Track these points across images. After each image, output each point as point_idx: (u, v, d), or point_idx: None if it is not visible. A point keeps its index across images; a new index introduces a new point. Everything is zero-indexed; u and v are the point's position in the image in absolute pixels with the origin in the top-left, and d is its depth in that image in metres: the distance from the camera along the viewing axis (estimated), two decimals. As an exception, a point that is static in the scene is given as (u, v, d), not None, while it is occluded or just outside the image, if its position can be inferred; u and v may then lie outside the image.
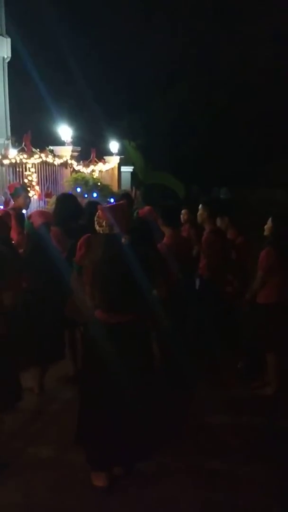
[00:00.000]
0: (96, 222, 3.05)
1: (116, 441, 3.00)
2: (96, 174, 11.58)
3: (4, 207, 7.40)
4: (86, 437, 3.10)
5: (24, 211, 5.52)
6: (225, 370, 4.62)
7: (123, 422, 2.98)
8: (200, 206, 4.77)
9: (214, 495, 3.03)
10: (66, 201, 4.74)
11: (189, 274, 4.28)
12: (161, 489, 3.06)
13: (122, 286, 2.94)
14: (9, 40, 15.00)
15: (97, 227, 3.05)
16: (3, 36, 14.84)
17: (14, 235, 4.33)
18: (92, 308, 3.04)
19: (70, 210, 4.51)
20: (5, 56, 15.00)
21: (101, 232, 3.04)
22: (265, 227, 4.28)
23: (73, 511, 2.89)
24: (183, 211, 5.46)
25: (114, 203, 3.25)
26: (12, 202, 5.78)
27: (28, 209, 5.71)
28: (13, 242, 4.14)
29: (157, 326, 3.57)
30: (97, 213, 3.06)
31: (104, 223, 3.00)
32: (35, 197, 8.64)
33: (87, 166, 11.27)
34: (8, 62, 15.24)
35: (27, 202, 5.50)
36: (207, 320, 4.32)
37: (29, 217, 4.06)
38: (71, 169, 10.57)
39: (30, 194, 7.03)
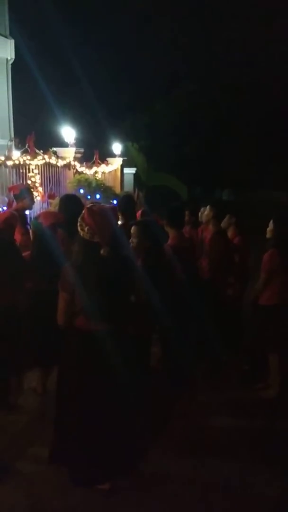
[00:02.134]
0: (79, 224, 2.88)
1: (102, 455, 2.93)
2: (99, 176, 11.60)
3: (7, 208, 7.43)
4: (66, 454, 3.02)
5: (27, 212, 5.53)
6: (228, 372, 4.63)
7: (107, 433, 2.91)
8: (208, 206, 4.83)
9: (215, 497, 3.03)
10: (70, 203, 4.74)
11: (192, 275, 4.29)
12: (163, 491, 3.06)
13: (102, 294, 2.83)
14: (12, 41, 15.07)
15: (78, 228, 2.89)
16: (6, 37, 14.90)
17: (17, 236, 4.34)
18: (69, 315, 2.93)
19: (73, 212, 4.50)
20: (9, 58, 15.07)
21: (81, 234, 2.88)
22: (267, 229, 4.29)
23: (75, 510, 2.90)
24: (185, 213, 5.47)
25: (103, 205, 3.06)
26: (15, 203, 5.80)
27: (32, 210, 5.72)
28: (16, 242, 4.15)
29: (139, 332, 3.52)
30: (82, 214, 2.89)
31: (86, 229, 2.83)
32: (38, 198, 8.67)
33: (90, 167, 11.29)
34: (12, 64, 15.31)
35: (31, 203, 5.51)
36: (210, 321, 4.33)
37: (37, 217, 4.06)
38: (74, 170, 10.59)
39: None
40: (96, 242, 2.86)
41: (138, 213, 5.10)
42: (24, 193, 5.24)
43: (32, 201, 5.35)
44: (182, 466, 3.30)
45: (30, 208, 5.34)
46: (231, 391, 4.36)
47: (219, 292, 4.58)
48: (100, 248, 2.86)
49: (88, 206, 2.94)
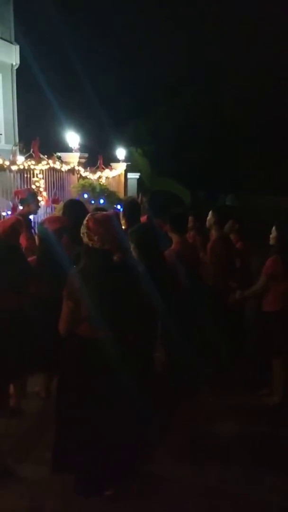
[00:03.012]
0: (85, 234, 2.81)
1: (104, 462, 2.93)
2: (103, 181, 11.64)
3: (11, 213, 7.47)
4: (69, 463, 3.02)
5: (31, 216, 5.56)
6: (231, 378, 4.63)
7: (109, 439, 2.91)
8: (210, 212, 4.85)
9: (217, 502, 3.03)
10: (73, 208, 4.75)
11: (196, 281, 4.30)
12: (164, 496, 3.06)
13: (109, 304, 2.83)
14: (17, 47, 15.19)
15: (85, 239, 2.82)
16: (11, 43, 15.01)
17: (22, 240, 4.36)
18: (71, 323, 2.92)
19: (77, 217, 4.52)
20: (14, 63, 15.18)
21: (90, 245, 2.82)
22: (271, 236, 4.29)
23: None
24: (189, 218, 5.49)
25: (105, 212, 3.00)
26: (19, 208, 5.83)
27: (36, 215, 5.75)
28: (22, 247, 4.16)
29: (142, 339, 3.52)
30: (87, 224, 2.81)
31: (96, 238, 2.78)
32: (43, 203, 8.70)
33: (94, 172, 11.33)
34: (16, 69, 15.41)
35: (36, 208, 5.54)
36: (213, 327, 4.33)
37: (43, 222, 4.07)
38: (78, 175, 10.63)
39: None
40: (108, 249, 2.84)
41: (143, 219, 5.12)
42: (30, 198, 5.27)
43: (37, 206, 5.37)
44: (184, 471, 3.30)
45: (35, 213, 5.36)
46: (235, 396, 4.35)
47: (221, 297, 4.58)
48: (112, 255, 2.85)
49: (90, 215, 2.88)
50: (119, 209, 7.60)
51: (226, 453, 3.53)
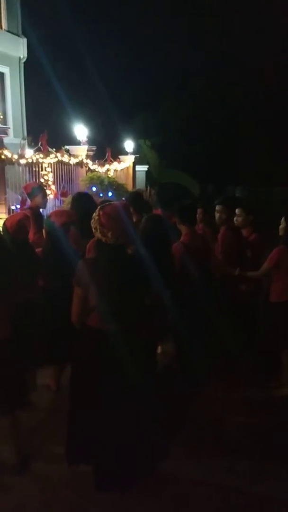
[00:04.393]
0: (98, 230, 2.78)
1: (117, 457, 2.93)
2: (111, 173, 11.63)
3: (20, 206, 7.49)
4: (82, 455, 3.03)
5: (41, 210, 5.55)
6: (241, 370, 4.61)
7: (123, 434, 2.91)
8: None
9: (227, 497, 3.03)
10: (82, 200, 4.74)
11: (205, 273, 4.28)
12: (174, 491, 3.06)
13: (122, 298, 2.81)
14: (25, 40, 15.15)
15: (98, 235, 2.79)
16: (19, 36, 14.98)
17: (30, 234, 4.36)
18: (83, 313, 2.91)
19: (86, 210, 4.51)
20: (21, 56, 15.15)
21: (103, 240, 2.79)
22: (280, 227, 4.26)
23: (89, 507, 2.92)
24: (198, 210, 5.46)
25: (115, 205, 2.91)
26: (28, 202, 5.83)
27: (45, 208, 5.74)
28: (30, 242, 4.16)
29: (151, 334, 3.51)
30: (98, 219, 2.77)
31: (109, 234, 2.75)
32: (51, 196, 8.72)
33: (102, 165, 11.32)
34: (24, 62, 15.39)
35: (44, 201, 5.51)
36: (223, 319, 4.32)
37: (50, 216, 4.07)
38: (87, 168, 10.63)
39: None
40: (122, 243, 2.82)
41: (156, 212, 5.10)
42: (35, 191, 5.26)
43: (44, 199, 5.37)
44: (194, 466, 3.29)
45: (43, 206, 5.35)
46: (244, 389, 4.34)
47: (232, 289, 4.56)
48: (126, 248, 2.84)
49: (101, 209, 2.82)
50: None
51: (236, 447, 3.51)
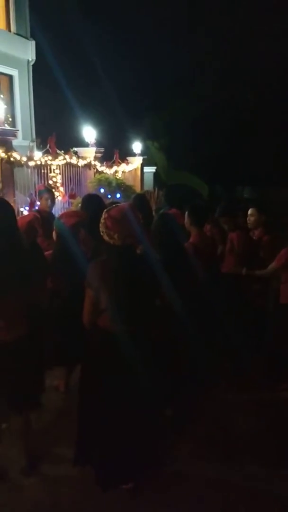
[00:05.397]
0: (105, 233, 2.80)
1: (125, 455, 2.93)
2: (119, 175, 11.64)
3: (29, 208, 7.53)
4: (91, 456, 3.03)
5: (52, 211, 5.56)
6: (251, 372, 4.59)
7: (131, 434, 2.90)
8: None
9: (237, 498, 3.01)
10: (91, 202, 4.75)
11: (214, 273, 4.27)
12: (184, 491, 3.05)
13: (132, 300, 2.81)
14: (33, 43, 15.24)
15: (106, 238, 2.81)
16: (27, 39, 15.07)
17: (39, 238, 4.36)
18: (95, 314, 2.90)
19: (95, 211, 4.51)
20: (30, 59, 15.24)
21: (111, 243, 2.80)
22: None
23: (98, 507, 2.92)
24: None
25: (120, 207, 2.90)
26: (37, 203, 5.86)
27: (52, 211, 5.75)
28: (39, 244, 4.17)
29: (161, 335, 3.51)
30: (104, 222, 2.79)
31: (116, 236, 2.76)
32: (59, 198, 8.76)
33: (110, 167, 11.34)
34: (32, 65, 15.48)
35: (48, 203, 5.51)
36: (233, 320, 4.30)
37: (60, 217, 4.08)
38: (95, 170, 10.65)
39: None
40: (130, 244, 2.83)
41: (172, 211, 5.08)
42: (40, 193, 5.27)
43: (49, 201, 5.38)
44: (203, 467, 3.28)
45: (48, 209, 5.36)
46: (254, 391, 4.31)
47: (244, 289, 4.53)
48: (135, 249, 2.85)
49: (106, 212, 2.84)
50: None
51: (246, 449, 3.50)
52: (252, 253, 4.74)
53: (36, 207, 7.37)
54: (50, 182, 8.77)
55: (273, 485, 3.12)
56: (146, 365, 2.88)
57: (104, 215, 2.82)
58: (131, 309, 2.83)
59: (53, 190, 7.09)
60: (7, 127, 8.17)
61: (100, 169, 10.78)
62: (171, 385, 3.56)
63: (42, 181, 8.62)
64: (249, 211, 4.95)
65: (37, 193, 5.34)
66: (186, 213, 4.33)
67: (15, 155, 7.68)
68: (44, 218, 4.94)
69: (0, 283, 2.84)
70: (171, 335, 3.90)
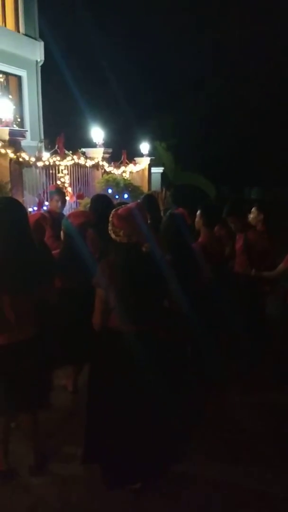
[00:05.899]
0: (111, 231, 2.86)
1: (133, 455, 2.94)
2: (126, 175, 11.66)
3: (38, 208, 7.57)
4: (98, 454, 3.04)
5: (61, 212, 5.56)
6: (260, 374, 4.57)
7: (139, 433, 2.91)
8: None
9: (246, 500, 3.01)
10: (99, 202, 4.77)
11: (223, 273, 4.26)
12: (192, 493, 3.04)
13: (139, 298, 2.83)
14: (42, 44, 15.30)
15: (112, 235, 2.88)
16: (36, 39, 15.13)
17: (46, 238, 4.38)
18: (103, 312, 2.93)
19: (103, 211, 4.52)
20: (38, 60, 15.30)
21: (117, 240, 2.86)
22: None
23: (106, 507, 2.93)
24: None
25: (127, 206, 2.98)
26: (45, 204, 5.88)
27: (63, 211, 5.76)
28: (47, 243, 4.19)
29: (169, 335, 3.51)
30: (111, 221, 2.86)
31: (121, 233, 2.82)
32: (67, 198, 8.79)
33: (118, 167, 11.35)
34: (41, 66, 15.54)
35: (59, 205, 5.52)
36: (240, 322, 4.29)
37: (68, 217, 4.11)
38: (103, 170, 10.68)
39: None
40: (135, 242, 2.85)
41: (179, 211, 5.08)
42: (51, 195, 5.29)
43: (61, 202, 5.39)
44: (212, 469, 3.27)
45: (58, 210, 5.38)
46: (263, 393, 4.30)
47: (256, 290, 4.52)
48: (140, 247, 2.87)
49: (114, 211, 2.90)
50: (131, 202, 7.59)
51: (255, 451, 3.49)
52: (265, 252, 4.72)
53: (44, 207, 7.42)
54: (58, 182, 8.81)
55: (280, 487, 3.11)
56: (155, 365, 2.89)
57: (111, 214, 2.88)
58: (138, 307, 2.85)
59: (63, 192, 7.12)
60: (15, 127, 8.22)
61: (107, 169, 10.80)
62: (180, 385, 3.56)
63: (50, 182, 8.66)
64: (252, 210, 4.95)
65: (47, 194, 5.36)
66: (199, 213, 4.32)
67: (24, 156, 7.72)
68: (54, 219, 4.97)
69: (11, 282, 2.86)
70: (179, 335, 3.91)
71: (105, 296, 2.86)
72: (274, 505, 2.96)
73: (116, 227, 2.83)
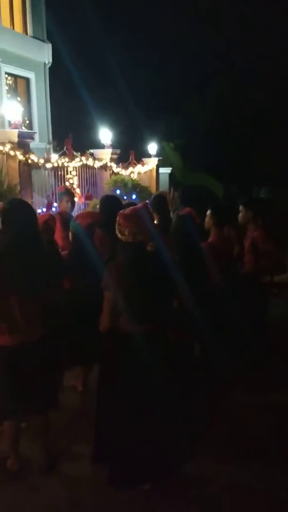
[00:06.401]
0: (117, 230, 2.90)
1: (142, 456, 2.94)
2: (134, 176, 11.67)
3: (46, 210, 7.60)
4: (107, 454, 3.04)
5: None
6: (266, 374, 4.55)
7: (148, 434, 2.92)
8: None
9: (256, 501, 3.00)
10: (108, 202, 4.77)
11: (233, 273, 4.25)
12: (202, 494, 3.04)
13: (145, 296, 2.84)
14: (50, 45, 15.37)
15: (118, 235, 2.90)
16: (44, 42, 15.20)
17: (59, 239, 4.40)
18: (111, 315, 2.94)
19: (111, 211, 4.53)
20: (46, 62, 15.37)
21: (123, 240, 2.89)
22: None
23: (116, 507, 2.94)
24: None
25: (133, 207, 3.02)
26: (55, 205, 5.90)
27: (72, 212, 5.79)
28: (56, 244, 4.21)
29: (178, 336, 3.51)
30: (117, 221, 2.89)
31: (126, 232, 2.85)
32: (76, 199, 8.82)
33: (126, 168, 11.37)
34: (49, 68, 15.62)
35: (68, 206, 5.54)
36: (247, 322, 4.28)
37: (76, 218, 4.13)
38: (111, 171, 10.70)
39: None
40: (140, 241, 2.87)
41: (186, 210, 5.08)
42: (60, 196, 5.30)
43: (71, 203, 5.41)
44: (222, 470, 3.26)
45: (68, 211, 5.40)
46: (270, 393, 4.27)
47: (264, 291, 4.51)
48: (145, 246, 2.88)
49: (120, 211, 2.94)
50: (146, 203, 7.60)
51: (263, 452, 3.47)
52: (272, 253, 4.70)
53: (53, 209, 7.45)
54: (67, 183, 8.84)
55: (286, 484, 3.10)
56: (163, 366, 2.89)
57: (118, 214, 2.92)
58: (145, 306, 2.86)
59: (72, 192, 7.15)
60: (24, 129, 8.26)
61: (115, 170, 10.83)
62: (187, 386, 3.56)
63: (59, 183, 8.70)
64: (240, 208, 4.93)
65: (56, 195, 5.38)
66: (209, 213, 4.33)
67: (33, 157, 7.77)
68: (65, 220, 5.00)
69: (19, 283, 2.87)
70: (187, 335, 3.90)
71: (113, 299, 2.87)
72: (283, 506, 2.95)
73: (121, 226, 2.86)
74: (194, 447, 3.45)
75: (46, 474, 3.21)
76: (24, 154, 7.56)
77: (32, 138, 8.03)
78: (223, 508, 2.95)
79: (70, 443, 3.56)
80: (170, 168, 16.09)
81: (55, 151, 9.42)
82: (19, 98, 12.28)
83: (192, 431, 3.57)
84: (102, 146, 10.68)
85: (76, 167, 9.21)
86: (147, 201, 7.84)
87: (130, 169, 11.60)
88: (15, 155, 7.41)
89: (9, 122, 7.61)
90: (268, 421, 3.85)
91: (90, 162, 9.74)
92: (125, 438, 2.95)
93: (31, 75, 14.86)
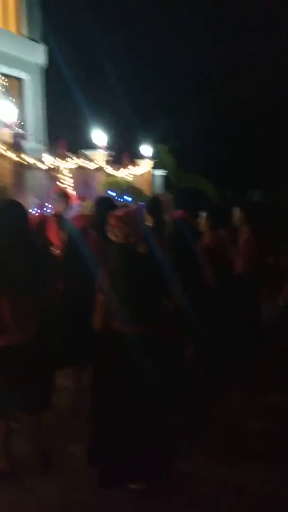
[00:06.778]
0: (110, 232, 2.92)
1: (134, 455, 2.94)
2: (130, 178, 11.69)
3: (40, 210, 7.59)
4: (102, 456, 3.04)
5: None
6: (262, 376, 4.56)
7: (141, 435, 2.91)
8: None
9: (250, 501, 2.99)
10: (102, 204, 4.77)
11: (225, 277, 4.26)
12: (196, 494, 3.04)
13: (138, 298, 2.85)
14: (45, 47, 15.34)
15: (110, 235, 2.93)
16: (39, 43, 15.18)
17: (56, 241, 4.41)
18: (106, 318, 2.95)
19: (106, 212, 4.53)
20: (42, 63, 15.34)
21: (116, 241, 2.91)
22: None
23: (110, 509, 2.92)
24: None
25: (126, 209, 3.07)
26: (47, 206, 5.90)
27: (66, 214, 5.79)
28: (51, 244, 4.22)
29: (172, 337, 3.51)
30: (109, 221, 2.92)
31: (118, 233, 2.87)
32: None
33: (118, 169, 11.37)
34: (45, 70, 15.58)
35: (64, 207, 5.55)
36: (242, 324, 4.29)
37: (70, 220, 4.14)
38: (105, 173, 10.72)
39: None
40: (133, 243, 2.89)
41: (178, 213, 5.09)
42: (55, 197, 5.31)
43: (66, 205, 5.42)
44: (217, 470, 3.26)
45: (63, 212, 5.41)
46: (266, 394, 4.28)
47: (255, 293, 4.52)
48: (136, 248, 2.90)
49: (112, 213, 2.97)
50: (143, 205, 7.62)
51: (257, 452, 3.48)
52: (261, 256, 4.72)
53: (47, 210, 7.44)
54: (61, 185, 8.84)
55: (284, 489, 3.09)
56: (157, 367, 2.89)
57: (109, 215, 2.95)
58: (138, 307, 2.86)
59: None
60: (18, 130, 8.25)
61: (110, 172, 10.83)
62: (181, 386, 3.56)
63: (53, 184, 8.69)
64: (236, 210, 4.96)
65: (50, 197, 5.39)
66: (205, 215, 4.34)
67: (27, 159, 7.75)
68: (60, 221, 5.00)
69: (12, 284, 2.86)
70: (183, 337, 3.91)
71: (106, 301, 2.88)
72: (280, 507, 2.95)
73: (114, 227, 2.88)
74: (191, 448, 3.44)
75: (39, 474, 3.19)
76: (18, 155, 7.55)
77: (26, 139, 8.02)
78: (221, 509, 2.94)
79: (63, 443, 3.55)
80: (166, 171, 16.10)
81: (49, 152, 9.40)
82: (13, 99, 12.23)
83: (188, 431, 3.57)
84: (96, 148, 10.69)
85: (69, 169, 9.20)
86: (141, 203, 7.87)
87: (126, 170, 11.62)
88: (8, 156, 7.39)
89: (3, 122, 7.58)
90: (264, 422, 3.86)
91: (82, 162, 9.73)
92: (118, 438, 2.94)
93: (26, 76, 14.82)
